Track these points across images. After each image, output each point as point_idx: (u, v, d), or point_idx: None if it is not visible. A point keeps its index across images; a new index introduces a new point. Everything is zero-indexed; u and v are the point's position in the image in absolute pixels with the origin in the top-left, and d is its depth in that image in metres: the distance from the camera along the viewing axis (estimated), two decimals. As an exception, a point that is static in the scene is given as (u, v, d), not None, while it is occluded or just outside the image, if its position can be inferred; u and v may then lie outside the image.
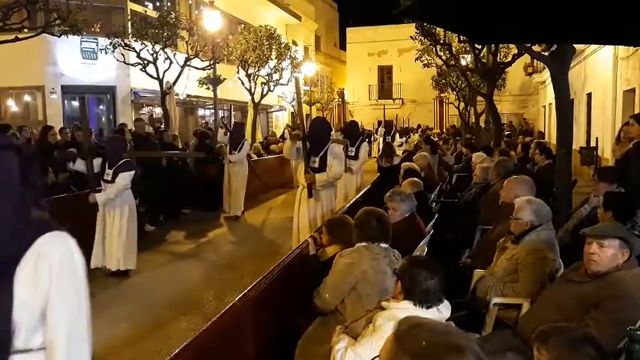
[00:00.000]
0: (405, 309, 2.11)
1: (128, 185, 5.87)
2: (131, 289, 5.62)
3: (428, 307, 2.16)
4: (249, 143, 9.49)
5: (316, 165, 5.31)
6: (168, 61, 11.63)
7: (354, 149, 7.68)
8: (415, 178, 5.36)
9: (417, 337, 1.42)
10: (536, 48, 8.59)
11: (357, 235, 3.12)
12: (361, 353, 2.15)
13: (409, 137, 18.64)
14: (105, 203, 5.83)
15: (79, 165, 6.01)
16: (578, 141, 12.59)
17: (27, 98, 14.11)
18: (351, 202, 5.86)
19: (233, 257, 6.91)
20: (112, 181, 5.74)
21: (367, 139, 20.32)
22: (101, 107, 15.22)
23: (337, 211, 5.56)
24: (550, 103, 17.77)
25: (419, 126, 25.13)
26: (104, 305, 5.11)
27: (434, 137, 17.84)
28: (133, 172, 5.85)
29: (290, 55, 17.35)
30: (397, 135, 14.20)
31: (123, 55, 11.93)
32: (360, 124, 27.53)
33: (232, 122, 10.98)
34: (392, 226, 3.25)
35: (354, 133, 8.05)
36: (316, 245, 3.67)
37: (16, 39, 7.65)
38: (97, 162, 5.89)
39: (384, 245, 3.03)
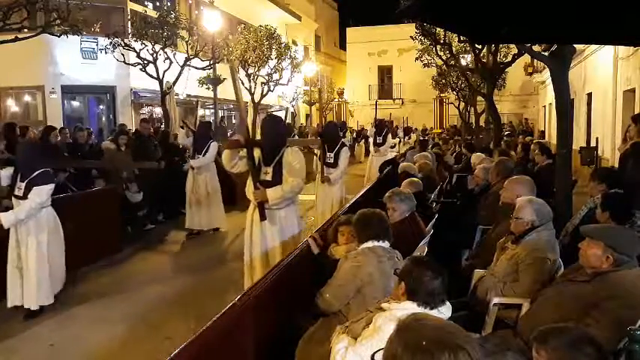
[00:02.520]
0: (406, 309, 2.11)
1: (45, 203, 4.70)
2: (130, 288, 5.62)
3: (431, 308, 2.16)
4: (216, 146, 7.90)
5: (268, 177, 4.19)
6: (168, 61, 11.65)
7: (332, 155, 6.64)
8: (414, 178, 5.35)
9: (417, 332, 1.43)
10: (536, 48, 8.59)
11: (358, 234, 3.10)
12: (361, 353, 2.14)
13: (409, 137, 18.66)
14: (15, 225, 4.63)
15: None
16: (579, 141, 12.59)
17: (27, 98, 14.12)
18: (351, 202, 5.81)
19: (233, 256, 6.90)
20: (24, 196, 4.59)
21: (364, 140, 20.20)
22: (101, 107, 15.24)
23: (335, 212, 5.31)
24: (550, 103, 17.78)
25: (419, 129, 25.06)
26: (103, 306, 5.12)
27: (433, 136, 17.80)
28: (52, 186, 4.73)
29: (290, 55, 17.37)
30: (389, 136, 12.53)
31: (123, 55, 11.94)
32: (357, 124, 27.55)
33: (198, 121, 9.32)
34: (392, 226, 3.25)
35: (332, 137, 6.83)
36: (317, 245, 3.65)
37: (16, 39, 7.66)
38: (6, 172, 4.90)
39: (386, 245, 3.01)
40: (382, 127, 11.93)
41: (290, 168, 4.18)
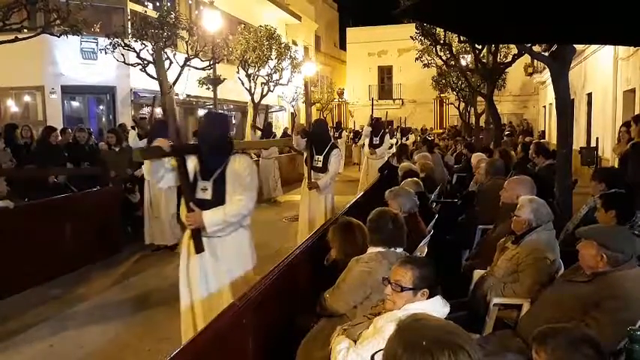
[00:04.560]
0: (407, 310, 2.11)
1: None
2: (130, 289, 5.61)
3: (433, 295, 2.22)
4: None
5: (207, 195, 3.26)
6: (168, 61, 11.63)
7: (321, 158, 5.83)
8: (415, 178, 5.35)
9: (417, 332, 1.43)
10: (536, 48, 8.59)
11: (370, 235, 3.02)
12: (363, 354, 2.14)
13: (407, 139, 18.57)
14: None
15: None
16: (579, 141, 12.60)
17: (27, 98, 14.13)
18: (352, 202, 5.81)
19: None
20: None
21: (357, 140, 19.78)
22: (101, 107, 15.26)
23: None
24: (550, 103, 17.78)
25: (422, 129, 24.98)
26: (103, 306, 5.12)
27: (432, 136, 17.76)
28: None
29: (290, 55, 17.37)
30: (387, 136, 11.12)
31: (123, 55, 11.93)
32: (354, 124, 27.28)
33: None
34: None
35: (321, 137, 5.98)
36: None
37: (16, 39, 7.65)
38: None
39: (399, 250, 2.94)
40: (379, 127, 10.87)
41: (236, 182, 3.25)
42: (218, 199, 3.24)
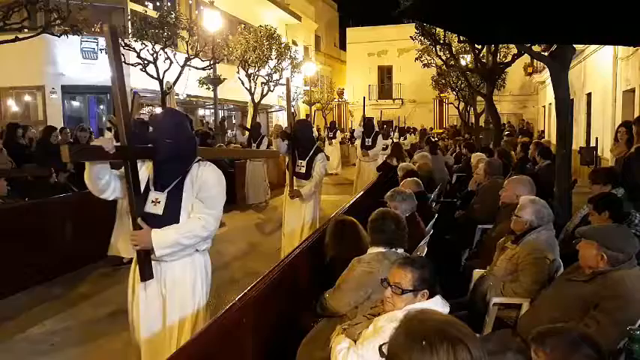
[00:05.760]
0: (407, 310, 2.11)
1: None
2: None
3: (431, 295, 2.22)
4: None
5: (158, 210, 2.69)
6: (168, 61, 11.65)
7: (304, 163, 5.36)
8: (415, 178, 5.36)
9: (420, 323, 1.45)
10: (536, 48, 8.59)
11: (372, 237, 3.03)
12: (363, 354, 2.14)
13: (405, 138, 18.55)
14: None
15: None
16: (578, 141, 12.60)
17: (27, 98, 14.15)
18: (352, 201, 5.80)
19: (228, 256, 6.91)
20: None
21: (353, 140, 19.33)
22: (101, 107, 15.28)
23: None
24: (550, 103, 17.77)
25: (417, 129, 24.95)
26: (104, 305, 5.12)
27: (434, 137, 17.76)
28: None
29: (290, 55, 17.38)
30: (380, 137, 10.48)
31: (123, 55, 11.87)
32: (351, 123, 27.11)
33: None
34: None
35: (304, 140, 5.47)
36: None
37: (16, 39, 7.66)
38: None
39: (400, 251, 2.95)
40: (371, 127, 10.21)
41: (196, 197, 2.71)
42: (171, 215, 2.67)
